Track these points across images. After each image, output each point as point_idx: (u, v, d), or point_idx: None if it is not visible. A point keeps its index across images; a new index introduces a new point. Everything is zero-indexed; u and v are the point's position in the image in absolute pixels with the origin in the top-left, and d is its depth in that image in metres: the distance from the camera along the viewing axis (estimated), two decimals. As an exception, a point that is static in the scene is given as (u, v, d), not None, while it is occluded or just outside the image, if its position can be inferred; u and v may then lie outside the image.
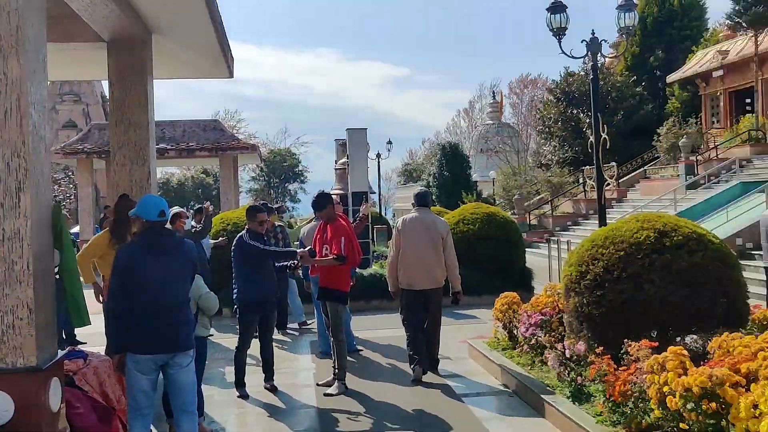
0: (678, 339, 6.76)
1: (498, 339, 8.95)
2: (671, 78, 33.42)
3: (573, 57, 9.63)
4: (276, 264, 7.85)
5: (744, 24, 26.83)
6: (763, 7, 25.63)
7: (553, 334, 7.55)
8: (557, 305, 7.86)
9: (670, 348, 5.50)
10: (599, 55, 9.50)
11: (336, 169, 20.83)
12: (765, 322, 7.12)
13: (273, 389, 7.80)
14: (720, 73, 30.00)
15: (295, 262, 7.68)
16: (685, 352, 5.52)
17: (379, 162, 32.63)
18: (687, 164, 25.76)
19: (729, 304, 6.72)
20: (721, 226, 16.10)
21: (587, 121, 33.30)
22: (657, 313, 6.49)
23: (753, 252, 15.46)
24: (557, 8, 9.53)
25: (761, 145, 26.04)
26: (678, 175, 25.98)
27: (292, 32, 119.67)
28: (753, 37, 26.72)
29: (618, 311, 6.56)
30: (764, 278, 13.89)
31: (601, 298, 6.64)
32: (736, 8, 26.68)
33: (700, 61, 31.76)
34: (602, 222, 9.68)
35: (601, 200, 9.50)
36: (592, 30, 9.48)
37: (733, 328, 6.76)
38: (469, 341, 9.42)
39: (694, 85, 32.96)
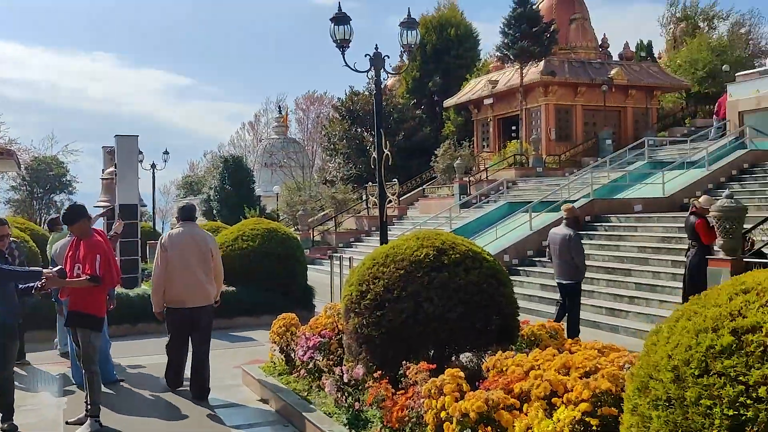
0: (454, 358, 6.73)
1: (274, 363, 8.44)
2: (448, 103, 35.24)
3: (357, 70, 9.48)
4: (19, 286, 6.75)
5: (511, 57, 28.94)
6: (528, 42, 27.81)
7: (331, 357, 7.20)
8: (337, 326, 7.54)
9: (447, 371, 5.34)
10: (382, 70, 9.43)
11: (102, 179, 19.13)
12: (533, 338, 7.29)
13: (12, 430, 6.64)
14: (490, 100, 32.10)
15: (41, 283, 6.62)
16: (462, 374, 5.39)
17: (154, 173, 30.82)
18: (461, 184, 27.15)
19: (502, 321, 6.78)
20: (491, 242, 16.95)
21: (371, 139, 34.08)
22: (435, 332, 6.39)
23: (519, 268, 16.43)
24: (341, 19, 9.34)
25: (524, 168, 28.17)
26: (453, 195, 27.29)
27: (65, 33, 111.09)
28: (519, 70, 28.89)
29: (398, 331, 6.35)
30: (530, 293, 14.78)
31: (381, 318, 6.40)
32: (505, 41, 28.72)
33: (473, 88, 33.80)
34: (384, 239, 9.57)
35: (383, 217, 9.40)
36: (376, 45, 9.45)
37: (506, 344, 6.84)
38: (243, 367, 8.81)
39: (467, 110, 35.01)
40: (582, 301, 13.40)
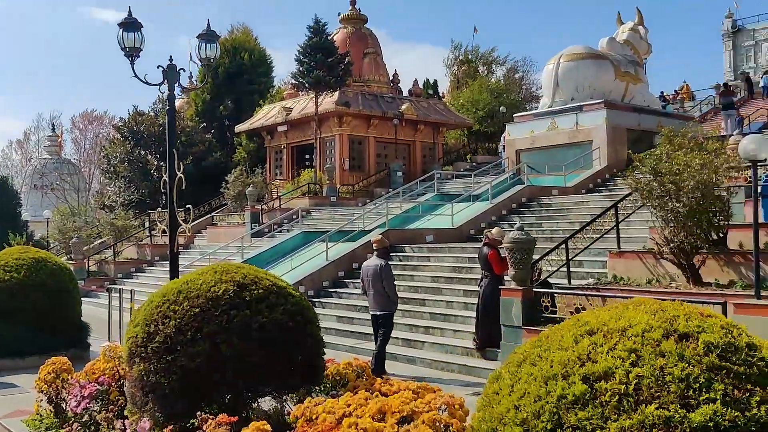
0: (255, 404, 6.08)
1: (41, 416, 7.21)
2: (240, 128, 34.36)
3: (148, 83, 8.55)
4: None
5: (307, 85, 28.85)
6: (323, 72, 27.89)
7: (111, 408, 6.24)
8: (118, 371, 6.58)
9: (252, 424, 4.72)
10: (177, 85, 8.59)
11: None
12: (339, 378, 6.86)
13: None
14: (284, 128, 31.74)
15: None
16: (268, 427, 4.80)
17: None
18: (253, 212, 26.35)
19: (308, 361, 6.28)
20: (287, 273, 16.38)
21: (156, 162, 32.26)
22: (235, 377, 5.74)
23: (315, 299, 16.00)
24: (131, 25, 8.37)
25: (319, 197, 28.04)
26: (244, 223, 26.41)
27: None
28: (314, 98, 28.87)
29: (191, 378, 5.61)
30: (326, 326, 14.38)
31: (172, 364, 5.61)
32: (301, 69, 28.59)
33: (267, 114, 33.26)
34: (174, 271, 8.66)
35: (174, 247, 8.50)
36: (170, 57, 8.58)
37: (311, 385, 6.34)
38: (1, 421, 7.46)
39: (260, 137, 34.37)
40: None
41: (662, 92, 38.10)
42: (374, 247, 10.97)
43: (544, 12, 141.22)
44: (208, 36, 8.46)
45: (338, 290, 16.38)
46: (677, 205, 9.85)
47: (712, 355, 2.66)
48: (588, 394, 2.65)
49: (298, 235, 20.74)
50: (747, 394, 2.54)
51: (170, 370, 5.59)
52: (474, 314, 12.16)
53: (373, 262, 10.74)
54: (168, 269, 9.42)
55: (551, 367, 2.83)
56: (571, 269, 11.92)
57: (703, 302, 8.55)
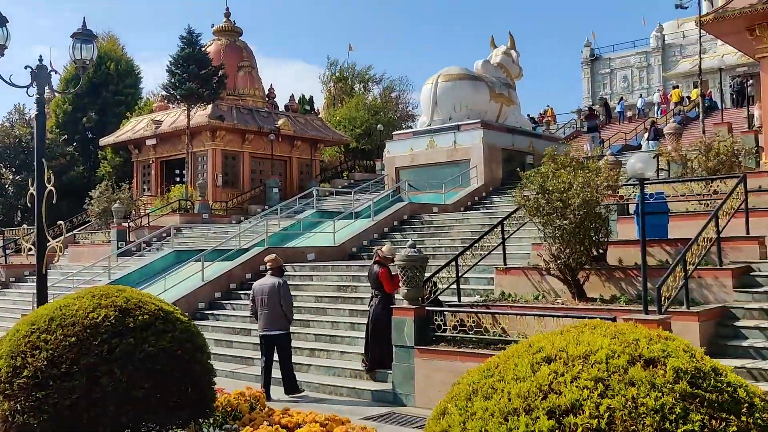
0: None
1: None
2: (105, 141, 32.55)
3: (14, 85, 7.59)
4: None
5: (178, 97, 27.71)
6: (196, 84, 26.89)
7: (-35, 456, 5.38)
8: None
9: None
10: (47, 88, 7.71)
11: None
12: (230, 409, 6.34)
13: None
14: (153, 141, 30.36)
15: None
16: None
17: None
18: (119, 230, 24.84)
19: (198, 392, 5.72)
20: (160, 295, 15.37)
21: (11, 177, 29.90)
22: (117, 414, 5.10)
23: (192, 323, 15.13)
24: (-7, 20, 7.45)
25: (190, 215, 26.91)
26: (110, 241, 24.86)
27: None
28: (186, 111, 27.76)
29: (66, 416, 4.93)
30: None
31: (44, 401, 4.92)
32: (172, 81, 27.43)
33: (134, 127, 31.70)
34: (42, 293, 7.75)
35: (42, 267, 7.61)
36: (40, 56, 7.67)
37: (201, 418, 5.81)
38: None
39: (127, 150, 32.69)
40: (259, 356, 12.76)
41: (528, 114, 39.72)
42: (268, 266, 10.81)
43: (419, 33, 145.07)
44: (84, 35, 7.65)
45: (215, 312, 15.59)
46: (564, 222, 9.99)
47: (683, 382, 2.46)
48: (556, 431, 2.37)
49: (170, 254, 19.69)
50: (723, 424, 2.36)
51: (41, 408, 4.89)
52: (362, 334, 11.85)
53: (268, 280, 10.60)
54: (27, 292, 8.49)
55: (510, 400, 2.53)
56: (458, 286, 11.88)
57: (591, 318, 8.68)
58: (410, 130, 25.11)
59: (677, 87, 43.56)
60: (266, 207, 27.78)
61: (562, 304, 10.34)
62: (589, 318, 8.61)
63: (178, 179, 31.14)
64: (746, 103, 37.41)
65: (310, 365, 11.86)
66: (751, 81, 40.29)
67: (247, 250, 18.06)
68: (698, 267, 9.52)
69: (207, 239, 23.40)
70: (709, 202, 13.00)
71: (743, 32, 17.41)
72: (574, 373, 2.52)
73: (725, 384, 2.53)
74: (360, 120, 35.30)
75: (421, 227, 19.66)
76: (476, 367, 2.95)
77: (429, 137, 24.06)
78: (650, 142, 26.71)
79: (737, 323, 9.05)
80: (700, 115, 27.31)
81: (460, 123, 23.54)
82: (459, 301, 11.13)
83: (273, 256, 11.20)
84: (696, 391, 2.45)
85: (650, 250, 11.17)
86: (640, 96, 46.95)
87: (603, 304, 9.98)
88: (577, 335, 2.71)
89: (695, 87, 40.68)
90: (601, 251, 10.81)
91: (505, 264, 11.91)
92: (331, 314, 13.86)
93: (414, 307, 9.98)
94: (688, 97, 41.99)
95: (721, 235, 10.00)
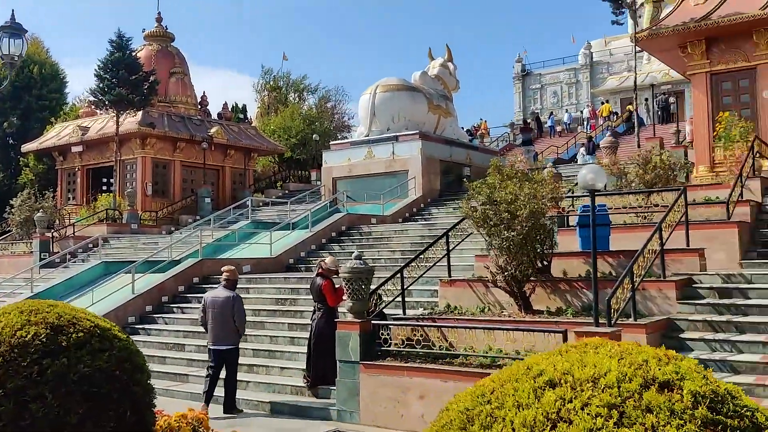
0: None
1: None
2: (27, 148, 31.15)
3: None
4: None
5: (107, 103, 26.71)
6: (126, 90, 25.97)
7: None
8: None
9: None
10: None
11: None
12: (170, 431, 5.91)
13: None
14: (79, 148, 29.20)
15: None
16: None
17: None
18: (42, 240, 23.70)
19: (137, 415, 5.28)
20: (87, 309, 14.63)
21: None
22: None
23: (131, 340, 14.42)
24: None
25: (118, 224, 25.94)
26: (32, 252, 23.67)
27: None
28: (115, 118, 26.78)
29: (-12, 448, 4.42)
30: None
31: (-38, 432, 4.39)
32: (101, 86, 26.42)
33: (59, 134, 30.44)
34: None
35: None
36: (-39, 51, 7.03)
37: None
38: None
39: (51, 157, 31.35)
40: (195, 373, 12.22)
41: (462, 127, 40.05)
42: (224, 277, 10.46)
43: (355, 44, 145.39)
44: (12, 29, 7.07)
45: (147, 326, 14.93)
46: (512, 233, 9.88)
47: (702, 407, 2.26)
48: (572, 468, 2.12)
49: (97, 266, 18.83)
50: (748, 453, 2.16)
51: (-41, 440, 4.38)
52: (303, 349, 11.50)
53: (221, 293, 10.29)
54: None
55: (513, 430, 2.27)
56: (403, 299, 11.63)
57: (544, 331, 8.57)
58: (348, 140, 24.84)
59: (607, 102, 44.72)
60: (198, 217, 27.03)
61: (509, 316, 10.22)
62: (539, 331, 8.54)
63: (105, 188, 30.02)
64: (671, 119, 38.76)
65: (249, 382, 11.39)
66: (674, 99, 41.78)
67: (179, 261, 17.40)
68: (643, 279, 9.55)
69: (136, 250, 22.56)
70: (646, 214, 13.19)
71: (676, 49, 17.89)
72: (583, 399, 2.29)
73: (743, 408, 2.34)
74: (295, 129, 34.82)
75: (359, 238, 19.38)
76: (466, 391, 2.68)
77: (367, 148, 23.84)
78: (587, 156, 27.21)
79: (682, 335, 9.10)
80: (636, 129, 28.02)
81: (398, 134, 23.42)
82: (404, 314, 10.87)
83: (232, 267, 10.85)
84: (717, 417, 2.25)
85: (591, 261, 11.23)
86: (566, 111, 48.02)
87: (550, 317, 9.89)
88: (581, 356, 2.48)
89: (629, 103, 41.84)
90: (545, 263, 10.75)
91: (449, 276, 11.74)
92: (270, 328, 13.42)
93: (359, 320, 9.68)
94: (616, 113, 43.17)
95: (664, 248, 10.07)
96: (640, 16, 19.38)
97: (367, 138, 24.12)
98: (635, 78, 26.63)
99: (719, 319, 9.11)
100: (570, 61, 56.36)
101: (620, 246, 11.62)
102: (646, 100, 44.33)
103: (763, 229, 12.83)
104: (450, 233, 11.97)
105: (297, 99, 41.05)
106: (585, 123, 41.60)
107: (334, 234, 19.74)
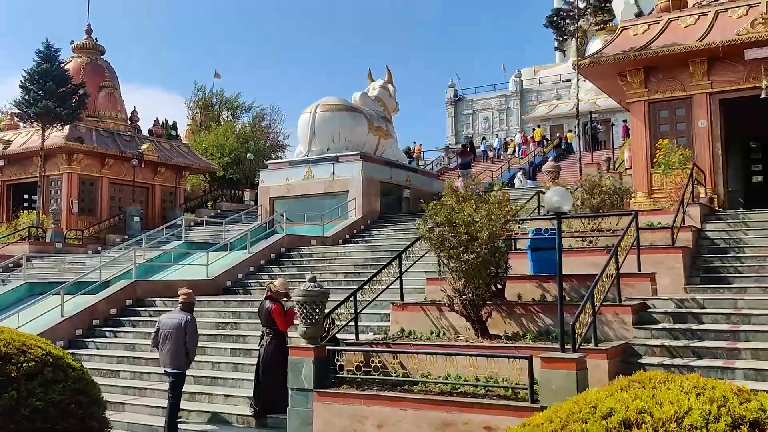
0: None
1: None
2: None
3: None
4: None
5: (32, 115, 25.48)
6: (54, 102, 24.84)
7: None
8: None
9: None
10: None
11: None
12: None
13: None
14: (0, 163, 27.73)
15: None
16: None
17: None
18: (-42, 259, 22.28)
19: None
20: (10, 333, 13.70)
21: None
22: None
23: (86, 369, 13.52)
24: None
25: (41, 243, 24.70)
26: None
27: None
28: (40, 131, 25.57)
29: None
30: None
31: None
32: (26, 98, 25.18)
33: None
34: None
35: None
36: None
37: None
38: None
39: (-32, 172, 29.67)
40: (131, 401, 11.56)
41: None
42: (180, 300, 10.04)
43: (291, 64, 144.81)
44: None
45: (77, 351, 14.03)
46: (471, 256, 9.69)
47: (798, 448, 2.04)
48: None
49: (21, 287, 17.77)
50: None
51: None
52: (248, 376, 11.03)
53: (176, 315, 9.90)
54: None
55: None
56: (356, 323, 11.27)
57: (509, 357, 8.36)
58: (287, 159, 24.36)
59: (539, 127, 45.70)
60: (126, 236, 26.01)
61: (466, 341, 9.99)
62: (503, 356, 8.34)
63: (27, 205, 28.58)
64: (599, 146, 39.88)
65: (191, 411, 10.80)
66: (603, 127, 43.05)
67: (110, 283, 16.56)
68: (602, 303, 9.49)
69: (62, 270, 21.46)
70: (591, 239, 13.28)
71: (615, 77, 18.29)
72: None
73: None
74: (229, 148, 34.05)
75: (300, 260, 18.93)
76: (517, 429, 2.39)
77: (306, 167, 23.45)
78: (527, 181, 27.54)
79: (640, 360, 9.05)
80: (578, 153, 28.54)
81: (338, 154, 23.12)
82: (357, 338, 10.51)
83: (189, 290, 10.33)
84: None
85: (546, 285, 11.16)
86: (497, 136, 48.80)
87: (509, 341, 9.71)
88: (652, 393, 2.23)
89: (569, 131, 42.83)
90: (499, 287, 10.59)
91: (402, 299, 11.46)
92: (211, 354, 12.83)
93: (314, 346, 9.28)
94: (547, 139, 44.16)
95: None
96: (583, 44, 19.70)
97: (306, 158, 23.73)
98: (577, 105, 27.12)
99: (676, 344, 9.13)
100: (501, 88, 57.45)
101: (569, 270, 11.62)
102: (576, 127, 45.65)
103: (704, 254, 13.10)
104: (403, 255, 11.71)
105: (230, 117, 40.26)
106: (517, 149, 42.33)
107: (273, 255, 19.22)
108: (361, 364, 9.20)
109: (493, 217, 10.06)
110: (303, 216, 21.64)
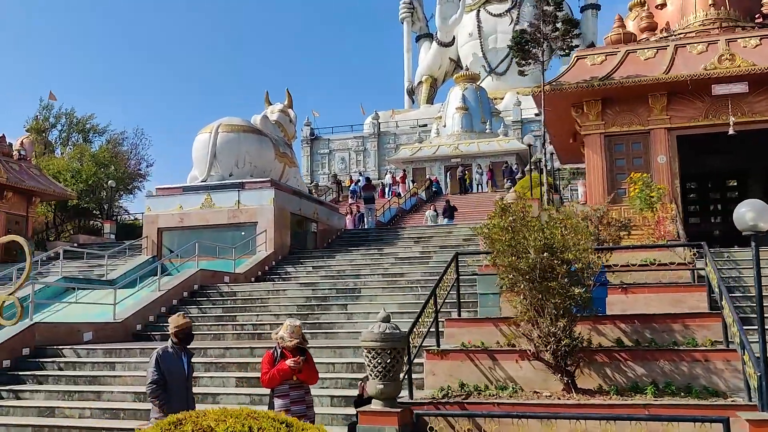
0: None
1: None
2: None
3: None
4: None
5: None
6: None
7: None
8: None
9: None
10: None
11: None
12: None
13: None
14: None
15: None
16: None
17: None
18: None
19: None
20: None
21: None
22: None
23: None
24: None
25: None
26: None
27: None
28: None
29: None
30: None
31: None
32: None
33: None
34: None
35: None
36: None
37: None
38: None
39: None
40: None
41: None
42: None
43: (150, 89, 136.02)
44: None
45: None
46: (573, 291, 7.74)
47: None
48: None
49: None
50: None
51: None
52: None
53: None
54: None
55: None
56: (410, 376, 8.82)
57: (696, 420, 6.44)
58: (180, 184, 20.94)
59: (405, 171, 44.97)
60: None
61: (551, 397, 7.97)
62: (688, 420, 6.41)
63: None
64: (466, 190, 39.65)
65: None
66: (466, 171, 43.06)
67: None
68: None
69: None
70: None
71: (569, 108, 17.37)
72: None
73: None
74: (86, 173, 29.52)
75: (222, 300, 15.92)
76: None
77: (206, 194, 20.31)
78: (446, 219, 26.08)
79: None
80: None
81: (244, 180, 20.27)
82: (411, 397, 8.09)
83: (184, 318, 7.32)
84: None
85: (602, 328, 9.47)
86: (361, 175, 47.45)
87: (607, 398, 7.82)
88: None
89: (426, 173, 42.22)
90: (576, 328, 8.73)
91: (438, 345, 9.21)
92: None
93: (397, 410, 6.82)
94: (413, 181, 43.45)
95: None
96: (545, 70, 18.71)
97: (204, 183, 20.61)
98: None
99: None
100: (358, 129, 56.52)
101: (618, 310, 10.11)
102: (440, 170, 45.51)
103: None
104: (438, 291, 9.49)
105: (81, 139, 35.40)
106: (387, 188, 41.15)
107: (185, 294, 16.05)
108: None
109: (581, 245, 8.24)
110: (201, 250, 18.29)
